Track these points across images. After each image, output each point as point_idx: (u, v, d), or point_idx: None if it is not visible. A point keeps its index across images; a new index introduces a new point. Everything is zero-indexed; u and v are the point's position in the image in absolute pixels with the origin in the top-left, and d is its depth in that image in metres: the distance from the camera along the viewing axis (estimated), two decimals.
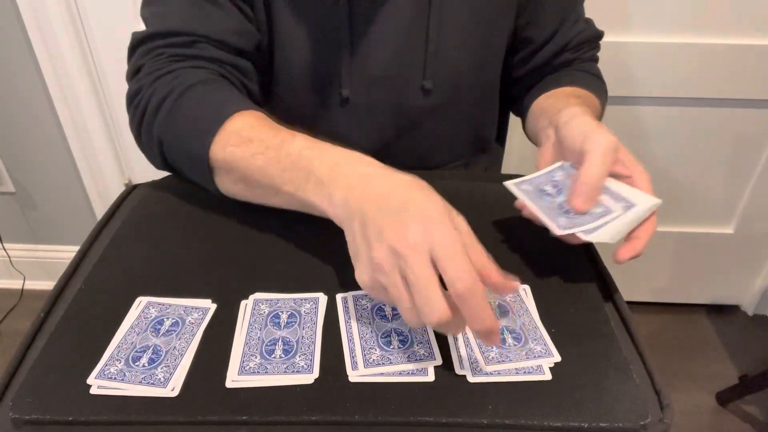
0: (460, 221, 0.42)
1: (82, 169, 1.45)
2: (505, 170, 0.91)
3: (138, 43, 0.61)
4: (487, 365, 0.43)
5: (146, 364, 0.43)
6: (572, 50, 0.74)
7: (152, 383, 0.41)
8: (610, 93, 1.24)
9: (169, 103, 0.56)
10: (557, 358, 0.43)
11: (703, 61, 1.19)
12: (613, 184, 0.51)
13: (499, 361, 0.43)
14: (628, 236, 0.50)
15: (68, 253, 1.59)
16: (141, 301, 0.48)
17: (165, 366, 0.43)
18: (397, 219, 0.40)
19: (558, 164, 0.55)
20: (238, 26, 0.63)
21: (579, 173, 0.50)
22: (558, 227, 0.49)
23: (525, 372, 0.42)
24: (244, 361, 0.43)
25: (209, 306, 0.48)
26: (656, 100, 1.26)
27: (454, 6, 0.66)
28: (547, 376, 0.42)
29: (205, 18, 0.61)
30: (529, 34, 0.73)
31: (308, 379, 0.42)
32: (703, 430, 1.31)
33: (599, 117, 0.71)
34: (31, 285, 1.64)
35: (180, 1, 0.61)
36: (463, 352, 0.44)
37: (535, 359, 0.43)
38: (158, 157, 0.59)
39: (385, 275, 0.40)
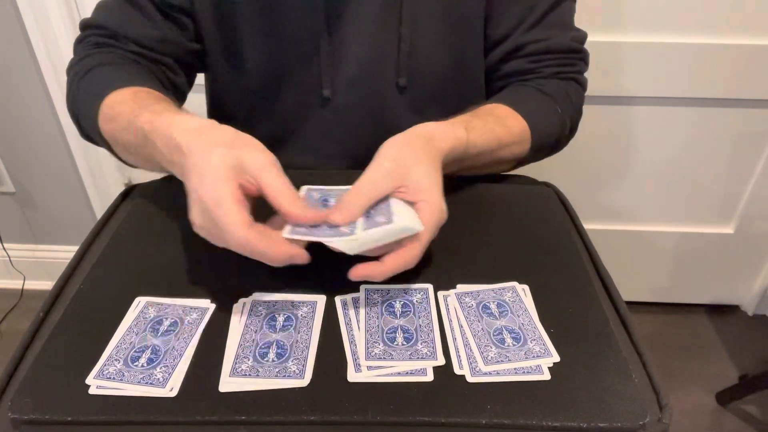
0: (253, 159, 0.45)
1: (82, 169, 1.45)
2: None
3: (80, 28, 0.68)
4: (485, 365, 0.43)
5: (145, 364, 0.43)
6: (527, 58, 0.68)
7: (151, 383, 0.41)
8: (610, 93, 1.24)
9: (75, 83, 0.63)
10: (556, 358, 0.43)
11: (703, 61, 1.19)
12: (395, 203, 0.48)
13: (498, 361, 0.43)
14: (380, 256, 0.47)
15: (68, 253, 1.59)
16: (140, 302, 0.48)
17: (164, 366, 0.43)
18: (189, 191, 0.46)
19: None
20: (160, 35, 0.66)
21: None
22: (287, 231, 0.46)
23: (524, 372, 0.42)
24: (236, 363, 0.43)
25: (208, 306, 0.48)
26: (655, 100, 1.26)
27: (425, 3, 0.65)
28: (546, 376, 0.42)
29: (128, 21, 0.65)
30: (487, 30, 0.69)
31: (299, 384, 0.41)
32: (703, 430, 1.31)
33: (516, 140, 0.64)
34: (31, 285, 1.64)
35: (115, 1, 0.66)
36: (462, 352, 0.44)
37: (535, 359, 0.43)
38: (81, 133, 0.65)
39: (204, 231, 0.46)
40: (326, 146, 0.74)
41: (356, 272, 0.46)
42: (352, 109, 0.71)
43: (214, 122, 0.49)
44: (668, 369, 1.43)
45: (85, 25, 0.67)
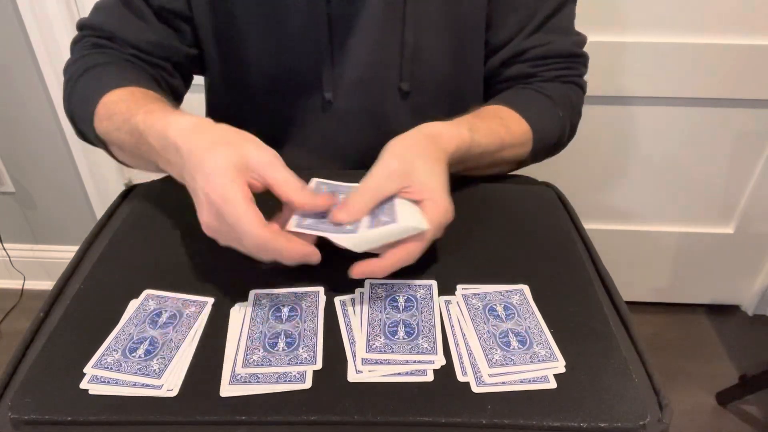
0: (257, 156, 0.45)
1: (82, 169, 1.45)
2: None
3: (77, 28, 0.68)
4: (490, 368, 0.43)
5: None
6: (529, 63, 0.69)
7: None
8: (610, 93, 1.25)
9: (72, 82, 0.63)
10: (562, 362, 0.43)
11: (703, 61, 1.19)
12: (400, 202, 0.49)
13: (502, 364, 0.43)
14: (380, 253, 0.47)
15: (68, 253, 1.59)
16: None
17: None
18: (195, 194, 0.46)
19: None
20: (158, 39, 0.66)
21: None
22: (294, 223, 0.47)
23: (530, 382, 0.42)
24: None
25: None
26: (656, 100, 1.26)
27: (428, 8, 0.66)
28: (552, 384, 0.42)
29: (126, 25, 0.65)
30: (488, 37, 0.69)
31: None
32: (703, 430, 1.31)
33: (518, 142, 0.65)
34: (31, 285, 1.64)
35: (112, 3, 0.66)
36: (465, 360, 0.44)
37: (540, 363, 0.43)
38: (76, 132, 0.65)
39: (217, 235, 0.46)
40: (327, 148, 0.74)
41: (357, 270, 0.46)
42: (353, 112, 0.71)
43: (209, 120, 0.49)
44: (668, 369, 1.43)
45: (82, 26, 0.67)
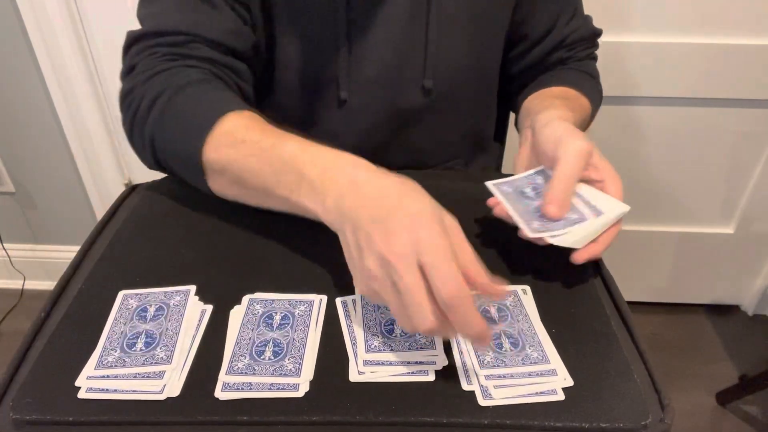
0: (450, 221, 0.42)
1: (82, 169, 1.45)
2: (505, 169, 0.91)
3: (132, 42, 0.61)
4: (481, 369, 0.42)
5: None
6: (567, 48, 0.74)
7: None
8: (610, 93, 1.24)
9: (162, 101, 0.55)
10: (554, 365, 0.43)
11: (704, 61, 1.19)
12: (584, 190, 0.52)
13: (493, 366, 0.43)
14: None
15: (68, 253, 1.59)
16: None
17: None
18: (385, 226, 0.40)
19: (539, 168, 0.56)
20: (233, 27, 0.62)
21: (551, 180, 0.51)
22: (530, 230, 0.49)
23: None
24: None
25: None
26: (656, 100, 1.26)
27: (452, 5, 0.66)
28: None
29: (199, 18, 0.60)
30: (525, 30, 0.73)
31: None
32: (703, 430, 1.31)
33: (588, 117, 0.71)
34: (31, 285, 1.64)
35: (175, 1, 0.60)
36: (466, 357, 0.44)
37: (531, 366, 0.43)
38: (150, 157, 0.58)
39: (377, 283, 0.41)
40: (339, 147, 0.73)
41: (580, 256, 0.49)
42: (368, 110, 0.71)
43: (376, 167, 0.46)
44: (668, 369, 1.43)
45: (142, 35, 0.60)
